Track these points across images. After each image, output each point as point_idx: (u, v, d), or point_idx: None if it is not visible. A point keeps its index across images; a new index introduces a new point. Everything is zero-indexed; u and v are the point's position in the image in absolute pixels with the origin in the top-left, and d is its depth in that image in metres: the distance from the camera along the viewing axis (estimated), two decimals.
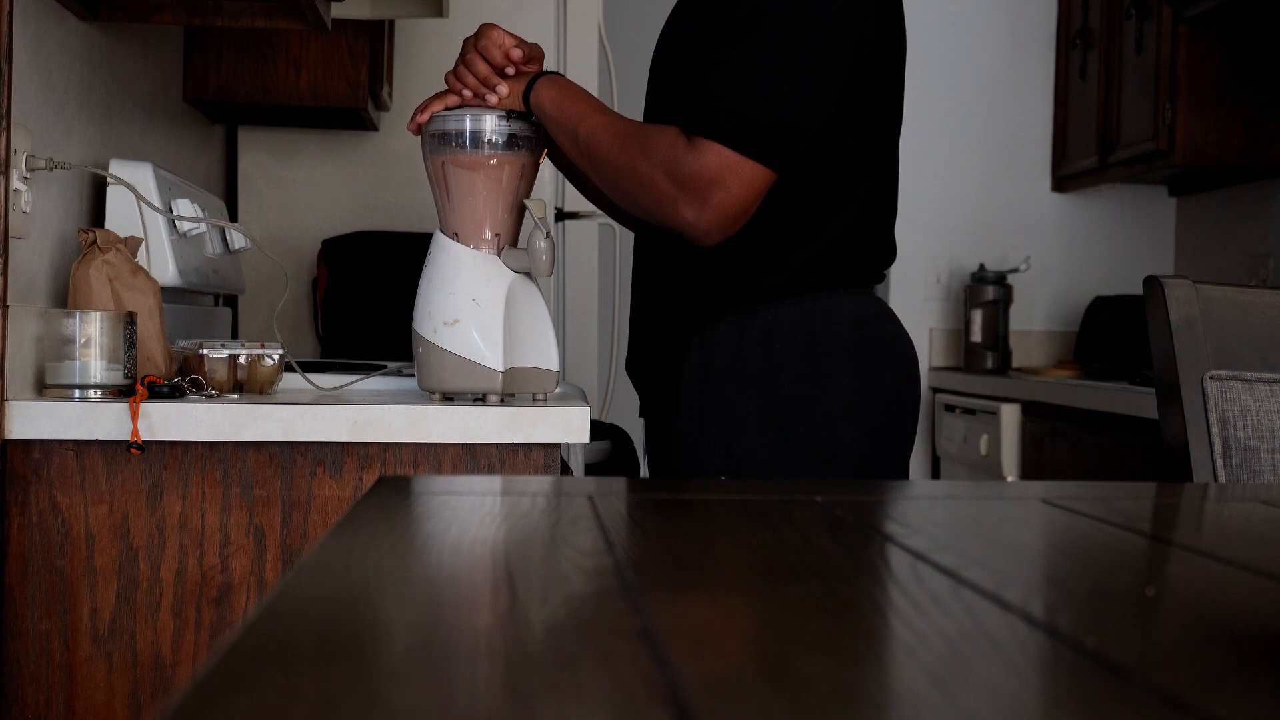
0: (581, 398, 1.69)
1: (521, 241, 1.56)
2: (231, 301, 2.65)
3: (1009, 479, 3.49)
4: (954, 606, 0.57)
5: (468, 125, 1.54)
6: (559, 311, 3.16)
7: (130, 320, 1.56)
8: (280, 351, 1.66)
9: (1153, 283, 1.44)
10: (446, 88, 1.57)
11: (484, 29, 1.55)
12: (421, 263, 1.57)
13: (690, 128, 1.42)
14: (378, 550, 0.68)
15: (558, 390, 1.62)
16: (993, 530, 0.85)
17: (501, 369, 1.51)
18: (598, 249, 3.28)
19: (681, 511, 0.89)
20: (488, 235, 1.55)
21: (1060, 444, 3.30)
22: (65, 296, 1.65)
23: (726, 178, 1.40)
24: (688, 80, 1.47)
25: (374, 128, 2.79)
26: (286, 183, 2.84)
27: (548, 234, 1.50)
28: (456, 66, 1.56)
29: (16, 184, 1.51)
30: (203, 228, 1.96)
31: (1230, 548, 0.82)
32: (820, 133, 1.46)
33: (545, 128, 1.56)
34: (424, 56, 2.84)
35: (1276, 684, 0.47)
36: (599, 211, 1.84)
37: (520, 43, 1.55)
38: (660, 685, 0.43)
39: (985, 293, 3.97)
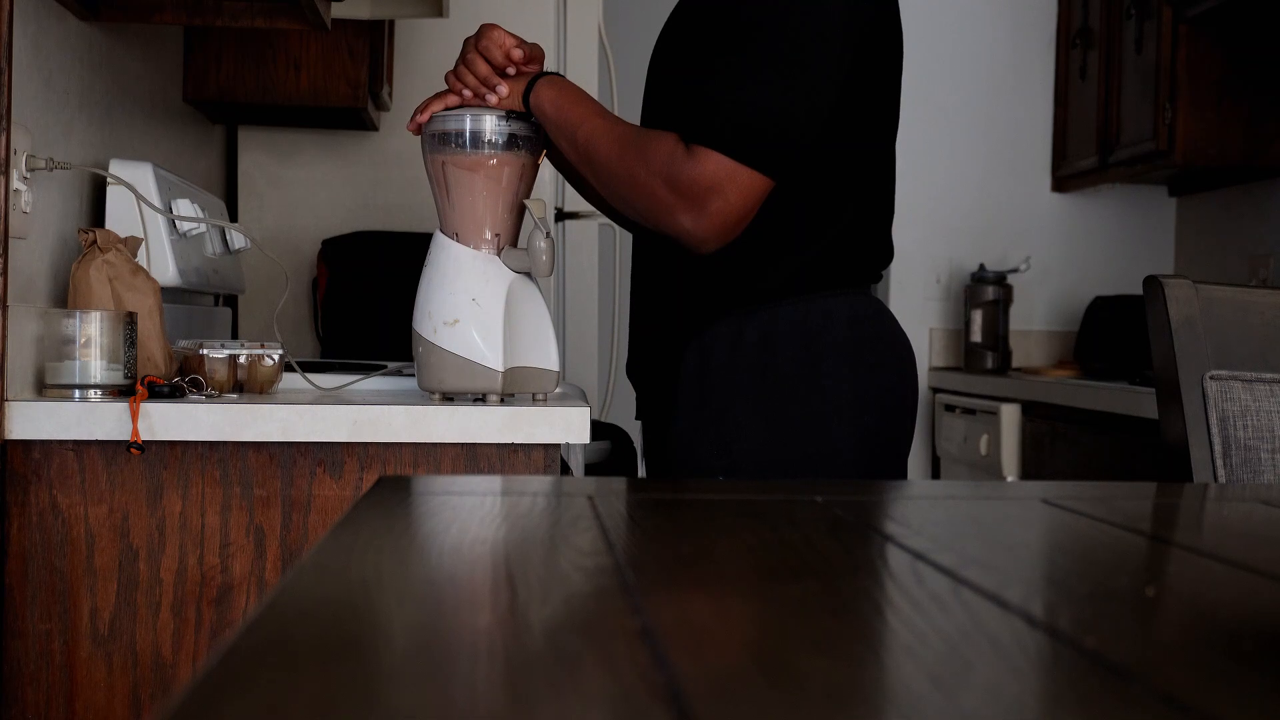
0: (581, 398, 1.69)
1: (521, 241, 1.56)
2: (231, 301, 2.65)
3: (1009, 479, 3.49)
4: (954, 606, 0.57)
5: (468, 125, 1.54)
6: (559, 311, 3.16)
7: (130, 320, 1.56)
8: (280, 351, 1.66)
9: (1153, 283, 1.44)
10: (446, 88, 1.57)
11: (485, 29, 1.55)
12: (421, 263, 1.57)
13: (688, 135, 1.42)
14: (378, 550, 0.68)
15: (558, 390, 1.62)
16: (993, 530, 0.85)
17: (501, 369, 1.51)
18: (598, 249, 3.28)
19: (681, 511, 0.89)
20: (488, 235, 1.55)
21: (1060, 444, 3.30)
22: (65, 296, 1.65)
23: (724, 186, 1.40)
24: (686, 86, 1.47)
25: (374, 128, 2.79)
26: (286, 183, 2.84)
27: (548, 234, 1.50)
28: (457, 66, 1.56)
29: (16, 184, 1.51)
30: (203, 228, 1.96)
31: (1230, 548, 0.82)
32: (818, 139, 1.45)
33: (544, 129, 1.56)
34: (424, 56, 2.84)
35: (1276, 684, 0.47)
36: (599, 212, 1.84)
37: (521, 43, 1.55)
38: (660, 685, 0.43)
39: (985, 293, 3.97)
